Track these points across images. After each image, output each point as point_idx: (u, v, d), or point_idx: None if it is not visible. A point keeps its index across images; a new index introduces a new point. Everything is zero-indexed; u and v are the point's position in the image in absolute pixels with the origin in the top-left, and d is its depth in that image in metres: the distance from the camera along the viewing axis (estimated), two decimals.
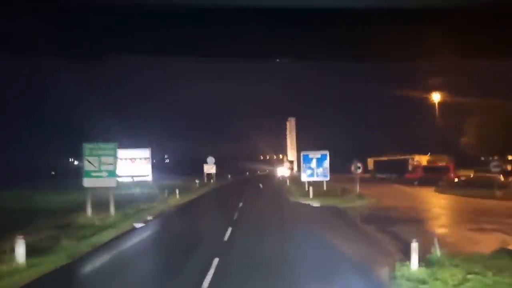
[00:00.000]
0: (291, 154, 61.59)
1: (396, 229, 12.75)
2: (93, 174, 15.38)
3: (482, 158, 53.27)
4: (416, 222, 14.39)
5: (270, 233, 12.90)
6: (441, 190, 27.29)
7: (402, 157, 50.77)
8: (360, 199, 22.07)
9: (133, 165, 41.20)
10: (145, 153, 41.46)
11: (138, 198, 21.96)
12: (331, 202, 21.59)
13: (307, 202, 22.91)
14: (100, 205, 15.64)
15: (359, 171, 24.16)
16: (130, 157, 41.21)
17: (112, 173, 15.47)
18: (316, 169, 30.15)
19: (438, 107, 57.06)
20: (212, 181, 42.10)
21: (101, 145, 15.49)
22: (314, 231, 12.98)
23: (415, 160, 45.40)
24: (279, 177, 58.87)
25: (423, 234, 10.89)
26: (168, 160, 76.09)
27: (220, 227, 13.44)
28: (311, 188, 24.35)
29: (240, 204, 21.27)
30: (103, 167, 15.36)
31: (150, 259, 10.08)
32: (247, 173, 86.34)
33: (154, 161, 62.07)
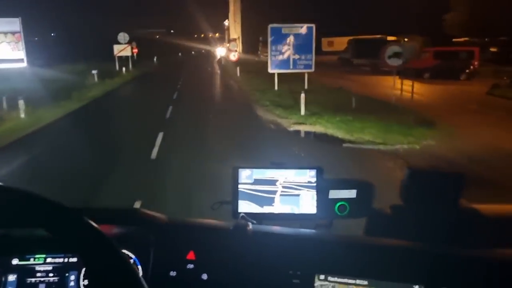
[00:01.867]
0: (235, 30, 47.25)
1: None
2: None
3: (459, 40, 43.43)
4: None
5: None
6: (500, 92, 16.07)
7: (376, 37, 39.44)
8: (424, 128, 10.05)
9: None
10: (12, 25, 25.69)
11: None
12: (365, 134, 9.48)
13: (299, 127, 10.76)
14: None
15: (399, 62, 11.93)
16: None
17: None
18: (293, 55, 17.60)
19: None
20: (125, 69, 27.78)
21: None
22: None
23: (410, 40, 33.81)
24: (220, 59, 45.73)
25: None
26: (57, 38, 54.16)
27: None
28: (302, 96, 11.90)
29: (155, 150, 8.56)
30: None
31: None
32: (180, 54, 71.58)
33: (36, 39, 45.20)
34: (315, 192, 1.35)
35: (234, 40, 42.70)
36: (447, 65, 22.84)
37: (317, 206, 1.34)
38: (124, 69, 27.27)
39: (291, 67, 17.46)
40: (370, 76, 26.95)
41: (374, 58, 31.75)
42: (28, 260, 1.13)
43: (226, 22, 67.16)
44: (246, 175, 1.35)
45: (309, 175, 1.35)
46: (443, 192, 1.27)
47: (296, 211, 1.35)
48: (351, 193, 1.36)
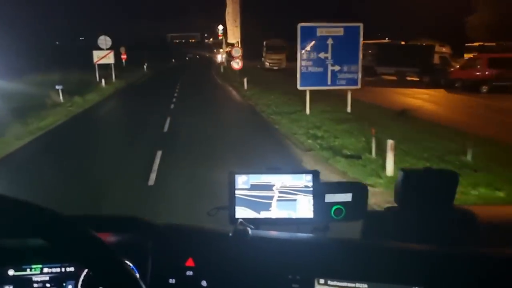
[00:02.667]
0: (233, 34, 41.98)
1: None
2: None
3: (472, 44, 38.71)
4: None
5: None
6: None
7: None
8: None
9: None
10: None
11: None
12: None
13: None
14: None
15: None
16: None
17: None
18: (331, 65, 12.38)
19: None
20: (105, 81, 22.23)
21: None
22: None
23: (443, 48, 28.85)
24: (219, 65, 40.63)
25: None
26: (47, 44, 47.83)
27: None
28: (390, 143, 6.63)
29: None
30: None
31: None
32: (173, 60, 66.35)
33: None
34: (312, 197, 1.28)
35: (234, 45, 37.53)
36: (510, 75, 17.84)
37: (314, 211, 1.28)
38: (104, 81, 21.75)
39: (329, 82, 12.23)
40: (400, 88, 21.92)
41: (401, 66, 26.81)
42: (25, 270, 1.07)
43: (220, 27, 62.28)
44: (242, 181, 1.29)
45: (306, 180, 1.29)
46: (438, 193, 1.25)
47: (293, 215, 1.29)
48: (347, 197, 1.31)
